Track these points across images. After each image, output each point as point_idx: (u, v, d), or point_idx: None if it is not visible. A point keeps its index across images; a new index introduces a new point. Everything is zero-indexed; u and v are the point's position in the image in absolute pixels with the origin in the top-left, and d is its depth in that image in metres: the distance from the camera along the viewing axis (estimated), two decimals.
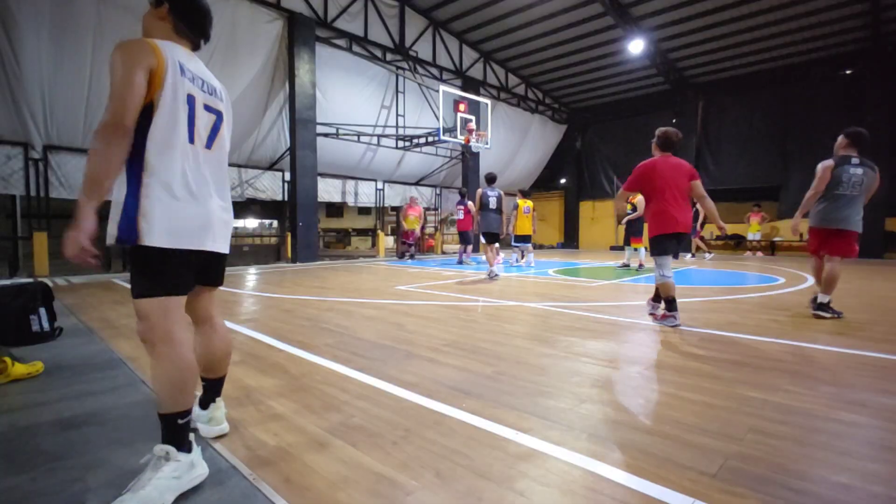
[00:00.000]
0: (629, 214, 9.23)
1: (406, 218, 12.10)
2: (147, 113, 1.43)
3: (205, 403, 1.82)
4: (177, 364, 1.48)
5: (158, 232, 1.44)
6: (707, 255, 12.80)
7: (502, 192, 7.90)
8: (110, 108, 1.36)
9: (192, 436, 1.51)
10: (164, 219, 1.45)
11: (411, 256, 12.17)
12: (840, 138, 4.28)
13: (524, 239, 9.94)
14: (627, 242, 9.29)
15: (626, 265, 9.32)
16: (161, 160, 1.45)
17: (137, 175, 1.42)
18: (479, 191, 7.79)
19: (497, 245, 7.82)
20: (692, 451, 1.68)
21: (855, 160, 4.12)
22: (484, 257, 9.16)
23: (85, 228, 1.33)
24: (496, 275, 7.56)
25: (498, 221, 7.73)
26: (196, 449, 1.50)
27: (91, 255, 1.35)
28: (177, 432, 1.46)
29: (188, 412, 1.50)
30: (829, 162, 4.18)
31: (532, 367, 2.70)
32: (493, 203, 7.67)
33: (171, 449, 1.42)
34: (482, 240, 7.86)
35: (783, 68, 14.04)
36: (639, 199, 9.09)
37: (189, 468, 1.44)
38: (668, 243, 3.94)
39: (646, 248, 9.88)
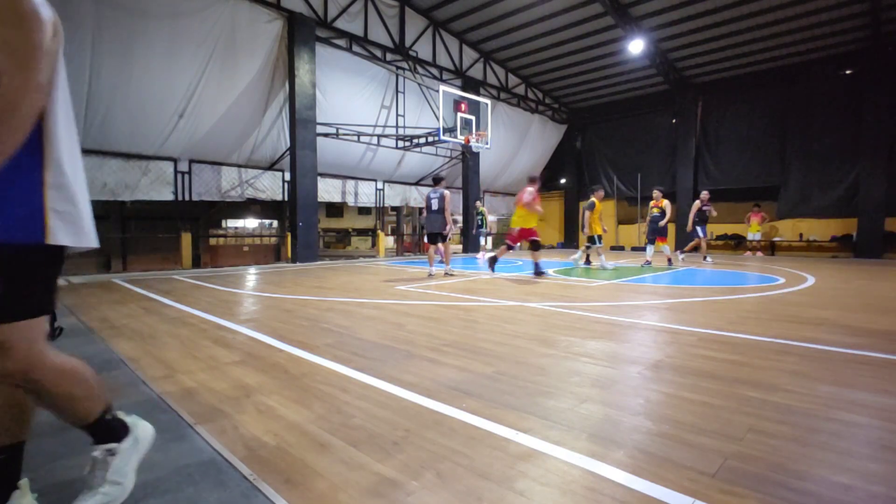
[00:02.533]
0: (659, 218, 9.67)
1: (529, 207, 7.63)
2: None
3: None
4: (71, 373, 1.23)
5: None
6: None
7: (446, 193, 7.85)
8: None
9: (120, 413, 1.39)
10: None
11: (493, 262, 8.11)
12: None
13: (589, 239, 9.83)
14: (653, 241, 9.77)
15: (669, 260, 9.79)
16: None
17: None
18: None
19: (439, 245, 7.97)
20: (692, 450, 1.68)
21: None
22: (481, 257, 9.18)
23: None
24: (432, 274, 7.82)
25: (439, 222, 7.86)
26: (130, 419, 1.41)
27: None
28: (110, 426, 1.35)
29: (109, 405, 1.36)
30: None
31: (532, 367, 2.70)
32: (434, 205, 7.85)
33: (113, 445, 1.34)
34: (424, 239, 8.02)
35: (783, 68, 14.04)
36: (665, 203, 9.46)
37: (134, 445, 1.37)
38: None
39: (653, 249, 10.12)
